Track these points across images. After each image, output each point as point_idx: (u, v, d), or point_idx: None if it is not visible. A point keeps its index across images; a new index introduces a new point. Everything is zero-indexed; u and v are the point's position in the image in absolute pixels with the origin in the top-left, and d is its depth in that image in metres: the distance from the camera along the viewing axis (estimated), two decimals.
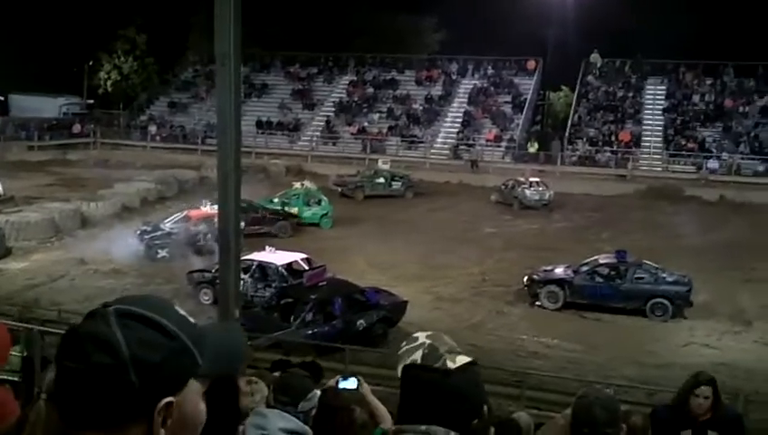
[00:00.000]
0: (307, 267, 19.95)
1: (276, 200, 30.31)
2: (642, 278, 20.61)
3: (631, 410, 4.88)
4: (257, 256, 20.33)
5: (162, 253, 24.01)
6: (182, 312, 1.37)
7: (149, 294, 2.34)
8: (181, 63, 56.94)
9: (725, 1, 47.29)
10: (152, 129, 49.46)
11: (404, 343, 2.18)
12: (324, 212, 30.21)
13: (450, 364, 2.04)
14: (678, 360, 16.87)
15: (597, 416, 3.01)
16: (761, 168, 39.40)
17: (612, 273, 20.78)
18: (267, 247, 20.89)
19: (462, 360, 2.06)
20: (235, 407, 3.00)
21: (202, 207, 25.81)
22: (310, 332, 16.45)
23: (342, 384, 3.84)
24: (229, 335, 1.48)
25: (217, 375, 1.38)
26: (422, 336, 2.17)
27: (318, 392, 3.81)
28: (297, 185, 32.45)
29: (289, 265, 20.06)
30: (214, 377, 1.37)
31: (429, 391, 2.02)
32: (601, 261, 21.41)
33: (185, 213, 26.22)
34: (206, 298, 19.35)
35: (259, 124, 48.12)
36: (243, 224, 26.27)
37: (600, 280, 20.71)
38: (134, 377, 1.25)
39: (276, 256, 20.34)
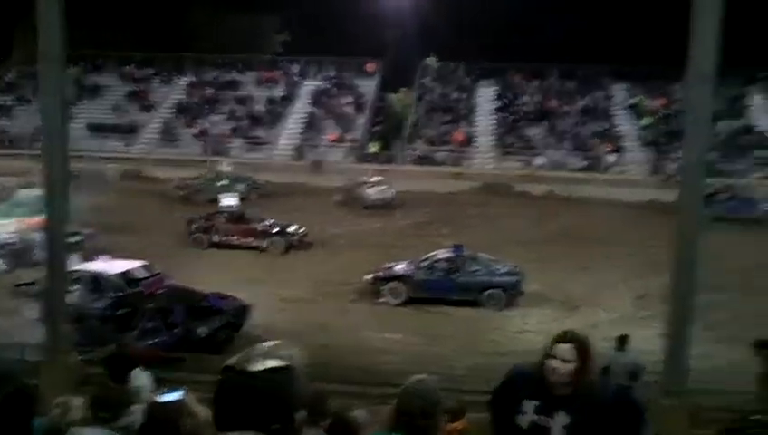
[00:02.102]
0: (147, 275, 19.59)
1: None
2: (477, 271, 21.84)
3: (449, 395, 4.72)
4: (90, 265, 19.70)
5: None
6: None
7: None
8: (6, 64, 53.81)
9: (548, 8, 50.30)
10: None
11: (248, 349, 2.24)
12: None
13: (259, 367, 2.08)
14: (514, 347, 18.09)
15: (415, 406, 3.29)
16: (582, 163, 42.30)
17: (450, 267, 21.87)
18: (101, 256, 20.31)
19: (271, 364, 2.10)
20: (27, 425, 2.80)
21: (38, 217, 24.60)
22: (150, 341, 16.00)
23: (167, 397, 3.65)
24: None
25: None
26: (266, 345, 2.23)
27: (139, 407, 3.61)
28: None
29: (125, 274, 19.40)
30: None
31: (235, 393, 2.08)
32: (439, 256, 22.50)
33: (23, 222, 24.81)
34: (32, 313, 17.93)
35: (92, 127, 46.36)
36: (235, 237, 26.55)
37: (439, 274, 21.75)
38: None
39: (110, 265, 19.72)
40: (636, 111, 46.27)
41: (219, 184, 35.89)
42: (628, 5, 48.93)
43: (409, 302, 21.47)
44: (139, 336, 16.16)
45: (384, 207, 34.58)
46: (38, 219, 23.36)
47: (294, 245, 27.21)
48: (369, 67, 50.84)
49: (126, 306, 17.53)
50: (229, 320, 17.65)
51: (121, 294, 18.60)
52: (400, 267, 22.25)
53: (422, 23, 47.92)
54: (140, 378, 7.03)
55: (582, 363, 3.59)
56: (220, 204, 30.22)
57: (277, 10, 56.12)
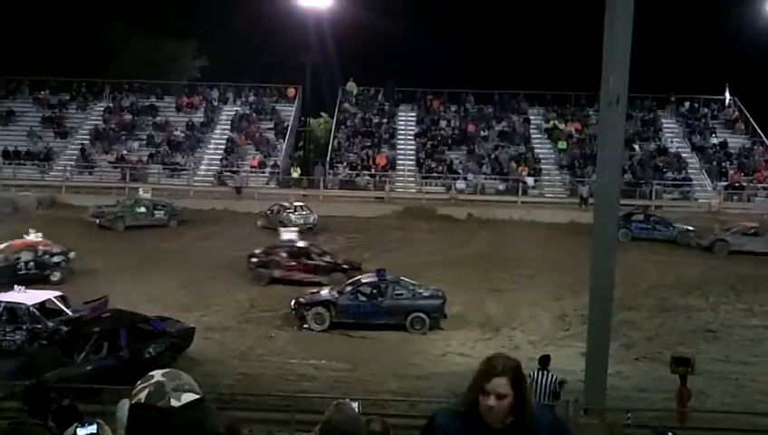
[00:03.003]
0: (63, 306, 19.10)
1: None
2: (401, 295, 21.94)
3: (372, 417, 4.51)
4: (4, 296, 19.01)
5: None
6: None
7: None
8: None
9: (465, 35, 51.45)
10: None
11: (138, 382, 2.15)
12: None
13: (175, 402, 2.01)
14: (437, 370, 18.22)
15: None
16: (501, 186, 43.11)
17: (374, 291, 21.90)
18: (16, 287, 19.62)
19: (188, 398, 2.04)
20: None
21: (26, 236, 25.47)
22: (95, 365, 15.91)
23: (81, 431, 3.58)
24: None
25: None
26: (157, 374, 2.14)
27: None
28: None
29: (42, 305, 18.86)
30: None
31: (152, 431, 2.00)
32: (363, 280, 22.53)
33: (8, 242, 25.39)
34: None
35: (6, 154, 44.86)
36: (296, 272, 25.87)
37: (363, 299, 21.76)
38: None
39: (26, 296, 19.05)
40: (551, 135, 47.47)
41: (138, 211, 35.22)
42: (541, 33, 50.46)
43: (334, 327, 21.38)
44: (84, 360, 16.03)
45: (307, 231, 34.43)
46: (25, 240, 25.02)
47: None
48: (290, 92, 50.79)
49: (68, 332, 17.38)
50: (174, 342, 17.76)
51: (39, 325, 18.14)
52: (324, 293, 22.18)
53: (341, 49, 48.24)
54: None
55: (519, 395, 3.21)
56: (280, 238, 28.94)
57: (194, 35, 55.64)
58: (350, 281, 22.84)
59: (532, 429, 3.26)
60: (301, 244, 28.05)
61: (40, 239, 26.06)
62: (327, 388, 16.63)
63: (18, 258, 24.62)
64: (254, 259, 26.67)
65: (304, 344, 20.17)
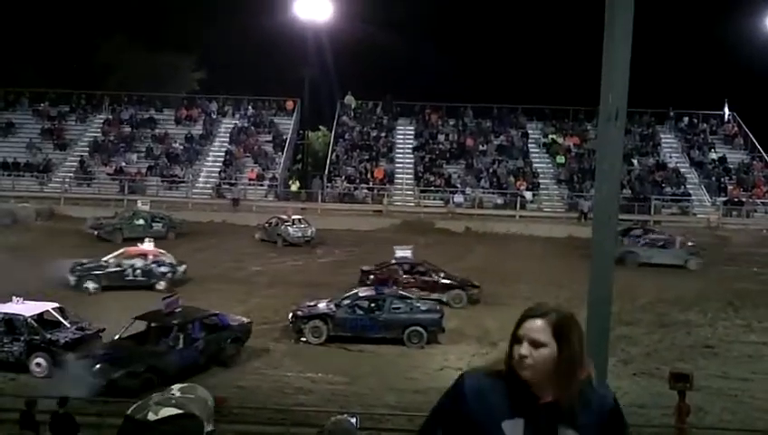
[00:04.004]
0: (60, 317, 19.17)
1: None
2: (399, 308, 21.88)
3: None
4: (2, 307, 18.97)
5: (90, 285, 24.96)
6: None
7: None
8: None
9: (464, 49, 51.60)
10: None
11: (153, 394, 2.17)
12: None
13: (151, 416, 2.01)
14: (435, 384, 18.09)
15: None
16: (500, 200, 43.11)
17: (372, 305, 21.84)
18: (14, 298, 19.58)
19: (167, 412, 2.02)
20: None
21: (140, 245, 26.90)
22: (177, 355, 17.83)
23: None
24: None
25: None
26: (175, 387, 2.15)
27: None
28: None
29: (39, 316, 18.92)
30: None
31: None
32: (361, 294, 22.47)
33: (124, 249, 27.06)
34: None
35: (5, 166, 44.88)
36: (415, 289, 25.44)
37: (361, 312, 21.69)
38: None
39: (24, 307, 19.02)
40: (550, 149, 47.52)
41: (136, 223, 35.19)
42: (540, 47, 50.63)
43: (331, 340, 21.30)
44: (167, 350, 17.85)
45: (305, 244, 34.44)
46: (138, 248, 26.65)
47: (475, 299, 25.66)
48: (289, 105, 50.87)
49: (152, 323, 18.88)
50: (237, 335, 19.60)
51: (37, 337, 18.17)
52: (322, 306, 22.10)
53: (340, 63, 48.39)
54: None
55: (567, 350, 2.50)
56: (395, 255, 27.98)
57: (193, 48, 55.79)
58: (347, 294, 22.77)
59: (588, 405, 2.54)
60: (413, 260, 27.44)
61: (152, 249, 27.11)
62: (324, 401, 16.56)
63: (131, 265, 25.92)
64: (371, 276, 26.18)
65: (301, 357, 20.09)
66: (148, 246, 27.24)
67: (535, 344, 2.49)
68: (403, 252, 28.00)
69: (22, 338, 18.26)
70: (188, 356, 18.08)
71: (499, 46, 51.36)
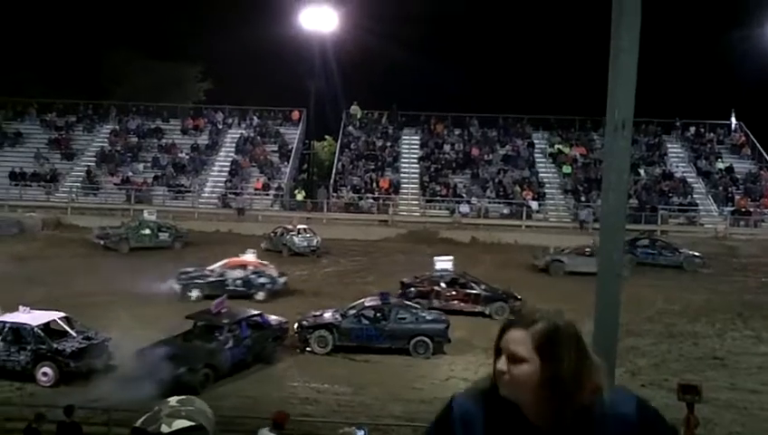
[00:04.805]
0: (67, 327, 19.16)
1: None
2: (404, 318, 21.82)
3: None
4: (10, 317, 19.05)
5: (194, 293, 25.89)
6: None
7: None
8: None
9: (469, 59, 51.63)
10: None
11: (155, 407, 2.20)
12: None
13: (165, 428, 2.01)
14: (441, 394, 18.04)
15: None
16: (506, 210, 43.03)
17: (377, 315, 21.80)
18: (21, 307, 19.62)
19: (180, 424, 2.03)
20: None
21: (242, 255, 27.80)
22: (228, 353, 19.00)
23: None
24: None
25: None
26: (173, 400, 2.18)
27: None
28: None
29: (46, 326, 19.03)
30: None
31: None
32: (367, 304, 22.42)
33: (227, 259, 27.88)
34: None
35: (13, 175, 45.03)
36: (456, 301, 25.74)
37: (366, 322, 21.65)
38: None
39: (31, 317, 19.11)
40: (556, 159, 47.45)
41: (142, 233, 35.23)
42: (545, 57, 50.64)
43: (336, 350, 21.25)
44: (219, 348, 18.96)
45: (310, 254, 34.40)
46: (240, 258, 27.33)
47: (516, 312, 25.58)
48: (295, 115, 50.94)
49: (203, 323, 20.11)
50: (277, 334, 20.79)
51: (43, 346, 18.23)
52: (327, 315, 22.06)
53: (345, 72, 48.45)
54: None
55: (546, 365, 2.10)
56: (435, 267, 27.63)
57: (200, 59, 56.05)
58: (353, 304, 22.72)
59: (602, 423, 2.14)
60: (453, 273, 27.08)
61: (253, 260, 27.73)
62: (330, 412, 16.53)
63: (229, 275, 26.70)
64: (411, 289, 26.03)
65: (307, 367, 20.09)
66: (249, 257, 27.89)
67: (514, 359, 2.13)
68: (443, 264, 27.46)
69: (28, 347, 18.34)
70: (238, 354, 19.25)
71: (505, 56, 51.41)
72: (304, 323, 21.75)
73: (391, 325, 21.48)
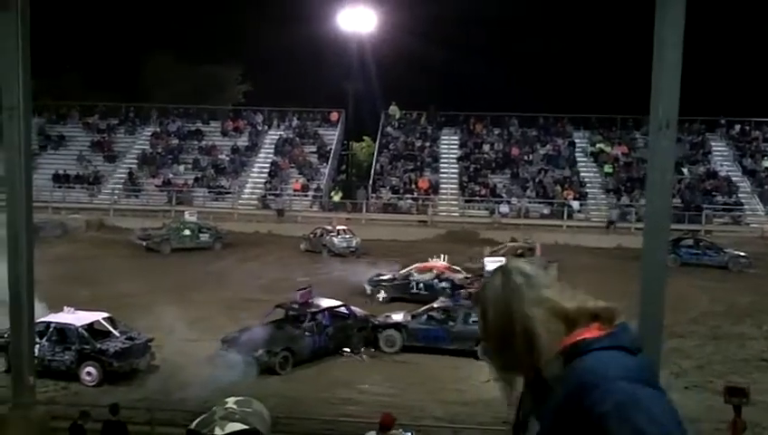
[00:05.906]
0: (110, 327, 19.41)
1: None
2: (474, 321, 21.65)
3: None
4: (54, 317, 19.32)
5: (382, 295, 26.66)
6: None
7: None
8: None
9: (509, 58, 51.23)
10: None
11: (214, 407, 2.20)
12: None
13: (218, 431, 2.02)
14: (482, 396, 17.89)
15: None
16: (546, 210, 42.66)
17: (446, 316, 21.69)
18: (65, 308, 19.94)
19: (233, 427, 2.03)
20: None
21: (431, 260, 28.34)
22: (309, 340, 20.02)
23: None
24: None
25: None
26: (231, 400, 2.16)
27: None
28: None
29: (90, 326, 19.25)
30: None
31: None
32: (436, 305, 22.37)
33: (417, 264, 28.33)
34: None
35: (56, 178, 45.91)
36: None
37: (435, 323, 21.55)
38: None
39: (75, 317, 19.36)
40: (597, 158, 46.93)
41: (183, 234, 35.64)
42: (586, 55, 50.06)
43: (404, 350, 21.22)
44: (304, 335, 19.99)
45: (350, 255, 34.47)
46: (427, 264, 27.99)
47: None
48: (333, 116, 51.11)
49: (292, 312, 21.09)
50: (362, 326, 21.41)
51: (87, 346, 18.46)
52: (396, 316, 22.09)
53: (383, 73, 48.44)
54: None
55: (480, 316, 1.96)
56: (486, 269, 27.13)
57: (239, 61, 56.55)
58: (424, 308, 22.64)
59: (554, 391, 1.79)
60: None
61: (440, 264, 27.90)
62: (371, 413, 16.41)
63: (414, 279, 27.05)
64: (461, 290, 25.73)
65: (348, 368, 20.07)
66: (438, 261, 28.17)
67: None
68: (495, 264, 27.40)
69: (73, 347, 18.59)
70: (319, 341, 20.21)
71: (545, 55, 50.95)
72: (374, 322, 21.87)
73: (459, 327, 21.25)
